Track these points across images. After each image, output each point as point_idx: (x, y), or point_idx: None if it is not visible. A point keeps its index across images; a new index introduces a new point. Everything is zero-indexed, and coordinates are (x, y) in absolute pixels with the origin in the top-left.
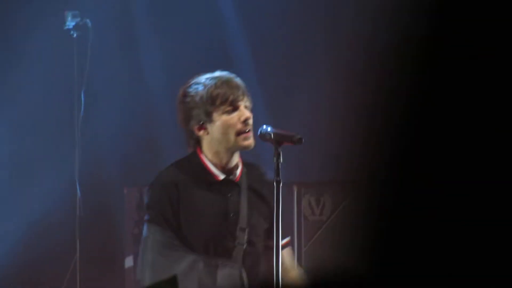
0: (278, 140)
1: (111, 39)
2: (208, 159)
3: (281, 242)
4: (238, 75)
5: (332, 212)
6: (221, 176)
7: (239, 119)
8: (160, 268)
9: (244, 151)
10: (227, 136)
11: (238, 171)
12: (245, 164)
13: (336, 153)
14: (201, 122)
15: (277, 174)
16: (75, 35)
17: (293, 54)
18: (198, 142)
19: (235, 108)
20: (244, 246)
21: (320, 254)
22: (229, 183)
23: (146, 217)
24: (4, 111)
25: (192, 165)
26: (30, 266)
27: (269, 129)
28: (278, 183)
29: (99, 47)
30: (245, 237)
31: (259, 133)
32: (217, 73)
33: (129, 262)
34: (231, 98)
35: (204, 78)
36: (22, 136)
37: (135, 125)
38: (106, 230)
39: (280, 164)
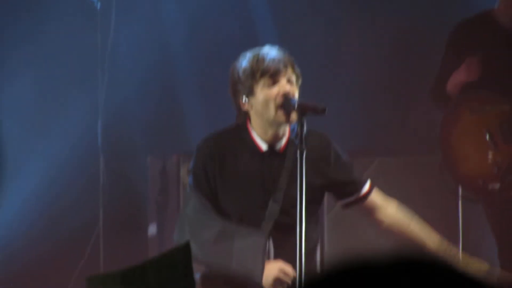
0: (302, 110)
1: (134, 9)
2: (254, 130)
3: (362, 192)
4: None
5: None
6: (265, 147)
7: (278, 92)
8: (192, 233)
9: (287, 124)
10: (268, 109)
11: (283, 142)
12: (308, 133)
13: (368, 123)
14: (245, 96)
15: (301, 145)
16: (98, 7)
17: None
18: (246, 115)
19: (275, 81)
20: (275, 218)
21: (344, 224)
22: (272, 154)
23: (189, 181)
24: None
25: (237, 135)
26: (53, 233)
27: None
28: (301, 152)
29: (123, 17)
30: (278, 210)
31: (282, 104)
32: (264, 48)
33: (152, 230)
34: (271, 71)
35: (250, 52)
36: (45, 100)
37: (159, 94)
38: (130, 198)
39: (303, 134)
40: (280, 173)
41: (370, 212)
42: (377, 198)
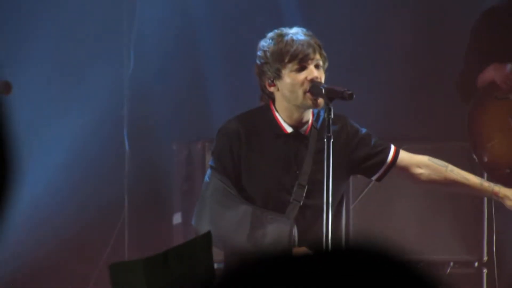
0: (329, 96)
1: None
2: (278, 113)
3: (389, 159)
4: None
5: None
6: (289, 129)
7: (306, 78)
8: (213, 217)
9: (314, 109)
10: (295, 94)
11: (308, 126)
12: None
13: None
14: (272, 78)
15: (328, 130)
16: None
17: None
18: (270, 97)
19: (303, 66)
20: (301, 203)
21: (369, 211)
22: (298, 137)
23: (210, 163)
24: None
25: (261, 116)
26: (78, 220)
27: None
28: (328, 139)
29: (148, 3)
30: (303, 194)
31: (310, 88)
32: (292, 29)
33: (177, 219)
34: (300, 56)
35: (278, 33)
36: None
37: (185, 80)
38: (155, 186)
39: (331, 120)
40: (304, 158)
41: (405, 172)
42: (406, 157)
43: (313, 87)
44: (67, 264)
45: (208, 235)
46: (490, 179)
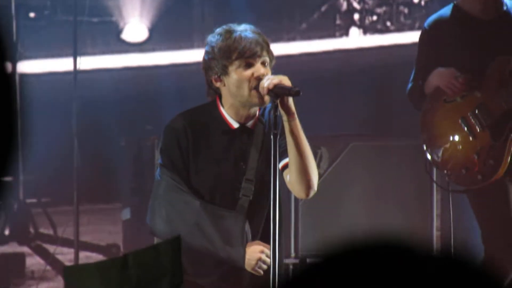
0: (277, 93)
1: None
2: (224, 109)
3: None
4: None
5: (330, 165)
6: (235, 125)
7: (253, 75)
8: (167, 215)
9: (259, 106)
10: (241, 91)
11: (254, 119)
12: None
13: (333, 107)
14: (218, 74)
15: (275, 127)
16: None
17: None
18: (216, 93)
19: (250, 64)
20: (250, 198)
21: (318, 207)
22: (244, 132)
23: (159, 161)
24: None
25: (208, 112)
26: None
27: (266, 83)
28: (275, 136)
29: None
30: (252, 188)
31: (257, 85)
32: (241, 26)
33: (126, 214)
34: (247, 53)
35: (227, 29)
36: None
37: (134, 75)
38: (104, 182)
39: (277, 117)
40: (250, 152)
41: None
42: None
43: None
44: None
45: (176, 240)
46: (447, 179)
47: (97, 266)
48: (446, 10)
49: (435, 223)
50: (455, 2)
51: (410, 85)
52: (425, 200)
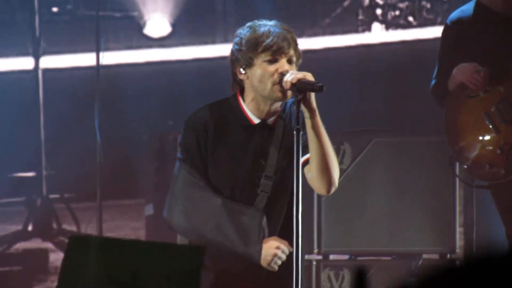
0: (299, 88)
1: None
2: (245, 104)
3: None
4: None
5: (353, 161)
6: (256, 120)
7: (276, 70)
8: (185, 209)
9: (280, 101)
10: (264, 84)
11: (274, 117)
12: (291, 104)
13: (356, 102)
14: (243, 66)
15: (297, 122)
16: None
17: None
18: (239, 86)
19: (276, 59)
20: (269, 194)
21: (341, 203)
22: (264, 128)
23: (178, 155)
24: None
25: (228, 107)
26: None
27: (290, 77)
28: (298, 131)
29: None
30: (270, 185)
31: (280, 80)
32: (271, 22)
33: (149, 210)
34: (274, 48)
35: (257, 23)
36: None
37: (156, 70)
38: (127, 177)
39: (300, 112)
40: (270, 149)
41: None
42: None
43: (283, 79)
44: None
45: (201, 249)
46: (472, 176)
47: (102, 240)
48: (469, 6)
49: (458, 219)
50: None
51: (433, 82)
52: (447, 197)
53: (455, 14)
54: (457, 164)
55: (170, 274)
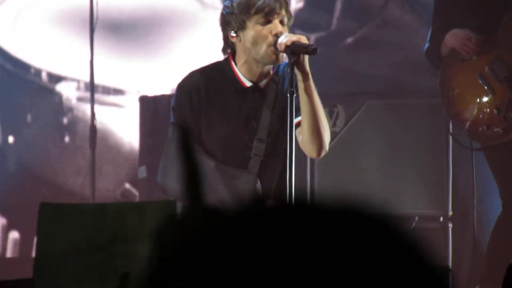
0: (293, 50)
1: None
2: (237, 67)
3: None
4: None
5: (346, 123)
6: (248, 83)
7: (270, 32)
8: (178, 173)
9: (273, 64)
10: (257, 46)
11: (266, 80)
12: (284, 66)
13: (348, 67)
14: (235, 29)
15: (291, 85)
16: None
17: None
18: (231, 49)
19: (269, 20)
20: (261, 158)
21: (334, 165)
22: (256, 91)
23: (171, 119)
24: None
25: (220, 70)
26: (44, 176)
27: (284, 39)
28: (291, 94)
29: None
30: (263, 148)
31: (274, 43)
32: None
33: (142, 173)
34: (266, 9)
35: None
36: None
37: (145, 36)
38: (120, 139)
39: (294, 75)
40: (262, 111)
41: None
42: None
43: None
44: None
45: (170, 204)
46: (468, 137)
47: (74, 208)
48: None
49: (451, 182)
50: None
51: (427, 45)
52: (441, 159)
53: None
54: (451, 126)
55: (146, 233)
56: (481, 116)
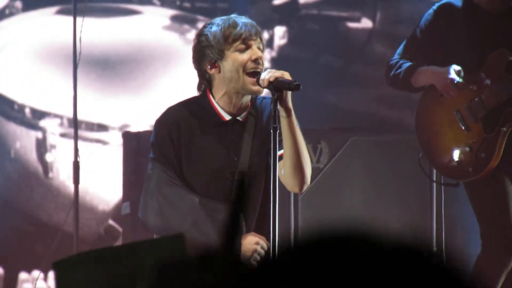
0: (276, 86)
1: None
2: (216, 100)
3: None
4: None
5: (330, 160)
6: (227, 117)
7: (250, 57)
8: (160, 208)
9: (253, 95)
10: (237, 74)
11: (245, 113)
12: (261, 100)
13: (332, 101)
14: (213, 60)
15: (274, 121)
16: None
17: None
18: (209, 83)
19: (247, 46)
20: (243, 192)
21: (318, 201)
22: (235, 124)
23: (150, 155)
24: None
25: (199, 104)
26: (28, 212)
27: (267, 75)
28: (275, 129)
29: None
30: (245, 181)
31: (257, 79)
32: (232, 15)
33: (125, 209)
34: (243, 36)
35: (219, 19)
36: None
37: (129, 72)
38: (103, 175)
39: (277, 111)
40: (242, 145)
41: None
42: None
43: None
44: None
45: (180, 239)
46: (438, 172)
47: (92, 254)
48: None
49: (435, 218)
50: None
51: (395, 59)
52: (425, 196)
53: (442, 2)
54: (428, 162)
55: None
56: (453, 153)
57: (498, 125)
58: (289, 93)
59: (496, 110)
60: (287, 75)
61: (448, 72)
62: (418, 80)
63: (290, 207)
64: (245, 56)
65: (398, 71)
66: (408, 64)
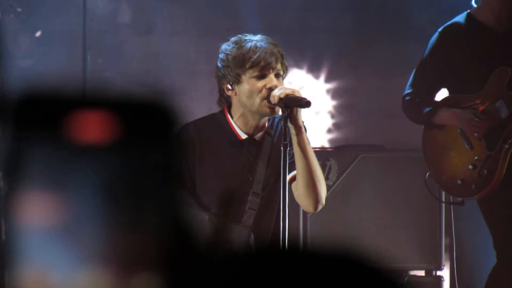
0: (286, 103)
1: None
2: (233, 119)
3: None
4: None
5: (339, 177)
6: (243, 136)
7: (265, 85)
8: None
9: (269, 116)
10: (252, 100)
11: (262, 132)
12: (278, 119)
13: (340, 120)
14: (231, 82)
15: (284, 138)
16: None
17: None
18: (227, 102)
19: (264, 74)
20: (256, 211)
21: (326, 218)
22: (252, 143)
23: None
24: None
25: (216, 122)
26: None
27: (278, 92)
28: (285, 147)
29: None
30: (258, 202)
31: (268, 95)
32: (257, 36)
33: None
34: (262, 63)
35: (242, 38)
36: None
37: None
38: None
39: (287, 128)
40: (257, 165)
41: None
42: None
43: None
44: None
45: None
46: (444, 190)
47: None
48: (461, 18)
49: (444, 236)
50: (469, 10)
51: (408, 90)
52: (434, 213)
53: (447, 24)
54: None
55: None
56: (457, 171)
57: (499, 142)
58: (300, 111)
59: (498, 127)
60: (297, 92)
61: (465, 112)
62: (440, 121)
63: (299, 224)
64: (260, 84)
65: (418, 114)
66: (427, 109)
